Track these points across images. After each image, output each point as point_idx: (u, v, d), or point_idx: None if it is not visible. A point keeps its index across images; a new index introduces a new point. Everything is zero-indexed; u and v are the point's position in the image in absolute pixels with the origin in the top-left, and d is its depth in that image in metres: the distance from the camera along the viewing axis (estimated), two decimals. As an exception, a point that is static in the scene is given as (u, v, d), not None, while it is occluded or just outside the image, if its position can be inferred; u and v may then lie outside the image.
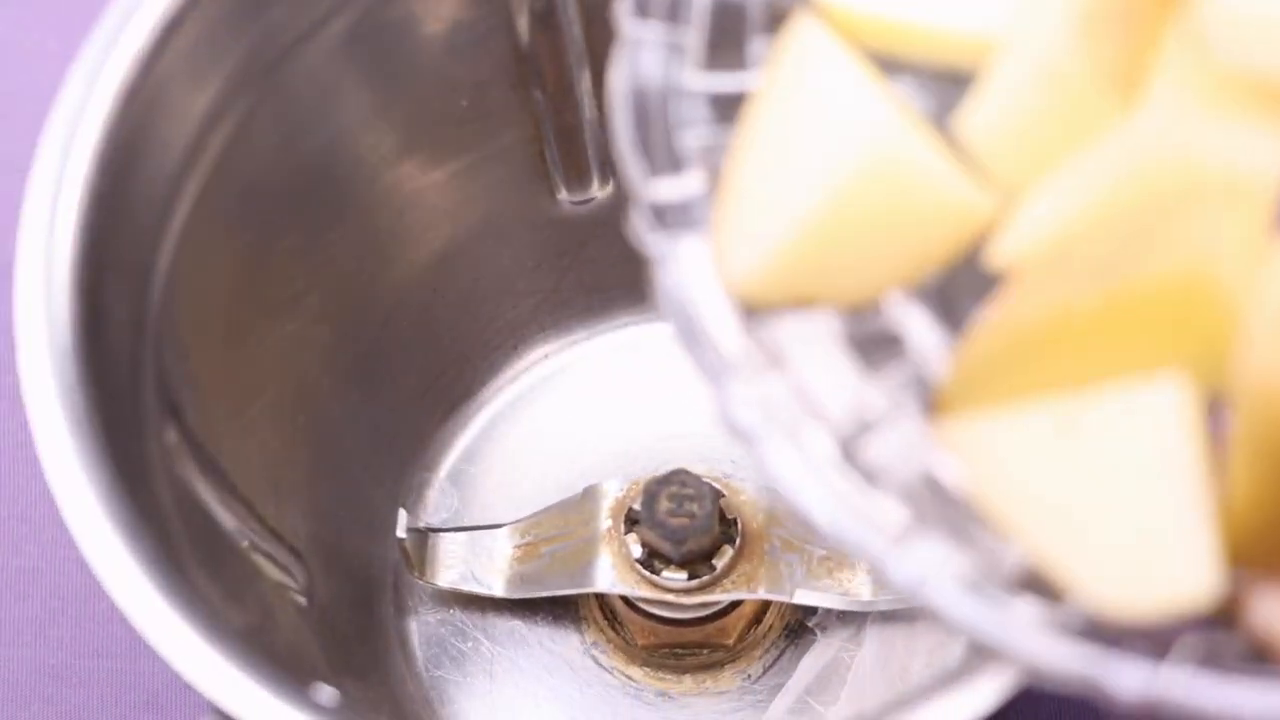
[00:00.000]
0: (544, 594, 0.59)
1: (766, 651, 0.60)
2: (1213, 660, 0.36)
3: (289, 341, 0.58)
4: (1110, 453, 0.36)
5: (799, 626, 0.60)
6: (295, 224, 0.56)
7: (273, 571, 0.56)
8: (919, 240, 0.41)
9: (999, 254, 0.40)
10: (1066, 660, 0.37)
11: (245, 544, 0.54)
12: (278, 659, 0.44)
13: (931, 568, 0.37)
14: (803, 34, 0.41)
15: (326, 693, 0.44)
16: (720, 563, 0.57)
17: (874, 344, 0.42)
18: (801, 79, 0.41)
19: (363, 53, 0.55)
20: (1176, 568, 0.35)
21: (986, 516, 0.38)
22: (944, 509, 0.39)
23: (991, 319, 0.39)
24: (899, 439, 0.40)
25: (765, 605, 0.60)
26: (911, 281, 0.41)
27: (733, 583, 0.57)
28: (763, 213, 0.40)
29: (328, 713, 0.43)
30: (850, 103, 0.40)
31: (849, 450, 0.40)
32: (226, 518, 0.53)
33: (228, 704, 0.43)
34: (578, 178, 0.61)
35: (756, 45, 0.44)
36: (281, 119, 0.54)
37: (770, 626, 0.60)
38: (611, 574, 0.57)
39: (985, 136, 0.41)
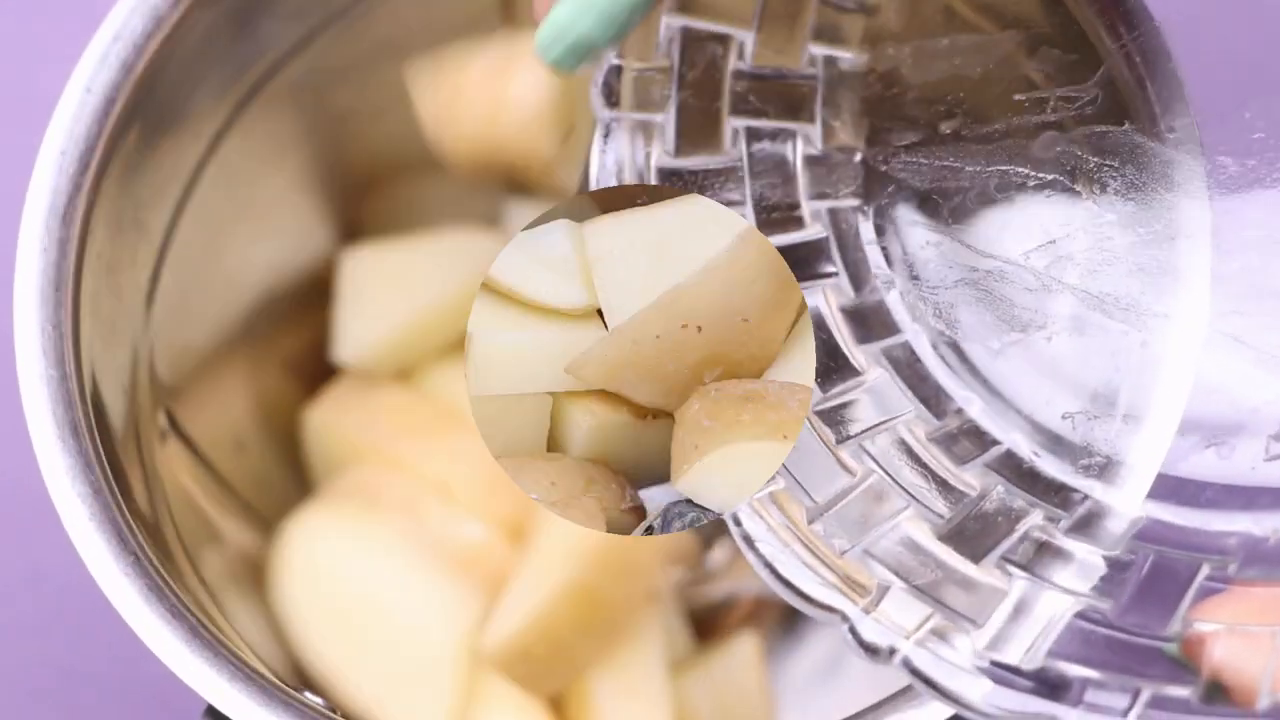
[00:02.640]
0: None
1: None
2: (1172, 706, 0.37)
3: (286, 344, 0.58)
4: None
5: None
6: (290, 231, 0.57)
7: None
8: None
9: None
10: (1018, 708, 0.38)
11: (245, 545, 0.55)
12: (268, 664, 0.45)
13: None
14: None
15: (314, 700, 0.44)
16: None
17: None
18: None
19: (354, 65, 0.55)
20: None
21: None
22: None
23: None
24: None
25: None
26: None
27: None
28: None
29: (316, 717, 0.43)
30: None
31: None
32: (222, 519, 0.54)
33: (220, 705, 0.43)
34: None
35: None
36: (278, 127, 0.54)
37: None
38: None
39: None
